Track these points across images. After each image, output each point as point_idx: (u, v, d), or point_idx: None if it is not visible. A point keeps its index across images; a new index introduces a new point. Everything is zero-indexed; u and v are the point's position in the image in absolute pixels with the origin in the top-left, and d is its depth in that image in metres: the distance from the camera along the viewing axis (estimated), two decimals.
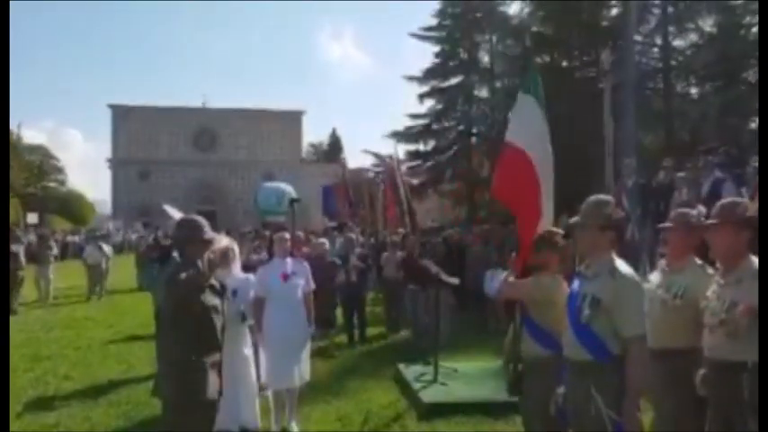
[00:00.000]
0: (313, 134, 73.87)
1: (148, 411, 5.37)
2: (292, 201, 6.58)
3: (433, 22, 24.20)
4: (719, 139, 12.96)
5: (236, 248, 5.06)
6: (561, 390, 2.99)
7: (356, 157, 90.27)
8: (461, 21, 23.78)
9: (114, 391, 6.29)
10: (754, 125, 15.94)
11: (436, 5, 24.04)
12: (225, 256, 4.76)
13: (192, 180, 48.34)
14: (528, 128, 3.77)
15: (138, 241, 16.18)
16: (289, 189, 7.45)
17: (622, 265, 2.80)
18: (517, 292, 3.40)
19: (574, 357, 2.84)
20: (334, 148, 62.27)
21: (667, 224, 3.51)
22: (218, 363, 3.30)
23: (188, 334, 3.18)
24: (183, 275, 3.13)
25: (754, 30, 15.68)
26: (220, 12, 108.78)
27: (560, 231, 3.48)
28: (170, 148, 48.88)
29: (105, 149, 51.48)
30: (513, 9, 20.94)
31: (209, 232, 3.36)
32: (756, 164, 6.60)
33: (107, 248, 15.43)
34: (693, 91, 17.00)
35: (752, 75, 16.15)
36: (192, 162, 48.80)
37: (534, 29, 19.08)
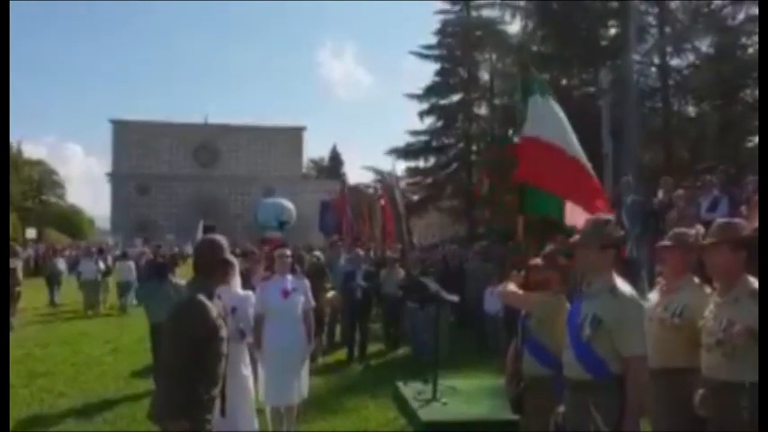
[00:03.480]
0: (314, 150, 74.22)
1: (145, 428, 5.33)
2: (281, 223, 6.59)
3: (434, 40, 24.48)
4: (718, 158, 13.04)
5: (236, 265, 5.05)
6: (561, 408, 2.98)
7: (357, 174, 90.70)
8: (461, 39, 24.03)
9: (110, 408, 6.22)
10: (751, 144, 16.09)
11: (436, 24, 24.34)
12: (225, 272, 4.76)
13: (192, 195, 48.40)
14: (545, 121, 3.87)
15: (139, 257, 16.16)
16: (288, 205, 7.45)
17: (623, 285, 2.81)
18: (521, 302, 3.41)
19: (574, 376, 2.83)
20: (334, 164, 62.44)
21: (665, 243, 3.52)
22: (222, 389, 3.05)
23: (198, 370, 2.85)
24: (204, 317, 2.85)
25: (751, 50, 15.88)
26: (223, 28, 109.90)
27: (562, 250, 3.49)
28: (170, 163, 49.08)
29: (106, 164, 51.69)
30: (513, 28, 21.14)
31: (227, 253, 3.17)
32: (753, 183, 6.64)
33: (103, 264, 15.45)
34: (691, 110, 17.13)
35: (749, 94, 16.31)
36: (192, 177, 48.95)
37: (534, 48, 19.23)
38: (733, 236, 2.93)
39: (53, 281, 16.42)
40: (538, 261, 3.53)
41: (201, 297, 2.89)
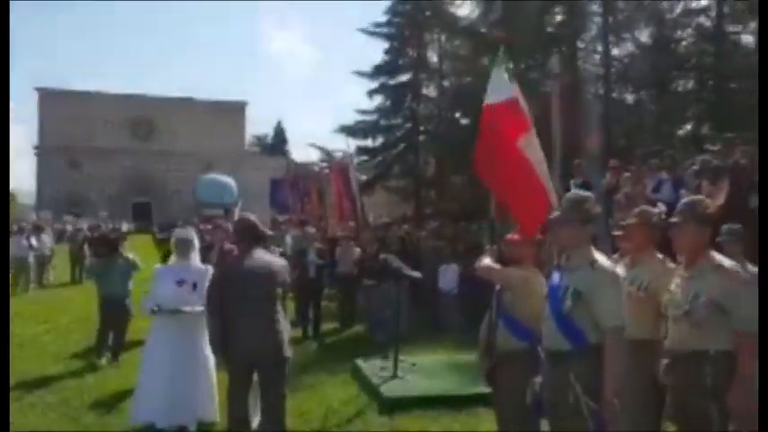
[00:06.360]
0: (258, 127, 72.17)
1: (93, 413, 5.13)
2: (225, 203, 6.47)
3: (384, 18, 24.27)
4: (653, 145, 13.70)
5: (196, 239, 4.92)
6: (538, 379, 3.08)
7: (301, 151, 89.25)
8: (411, 19, 23.95)
9: (50, 390, 5.92)
10: (681, 132, 17.02)
11: (386, 3, 24.12)
12: (186, 246, 4.65)
13: (128, 170, 46.27)
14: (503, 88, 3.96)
15: (75, 234, 15.33)
16: (229, 181, 7.23)
17: (602, 258, 2.92)
18: (498, 276, 3.48)
19: (553, 347, 2.93)
20: (279, 141, 61.26)
21: (631, 220, 3.68)
22: None
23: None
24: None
25: (684, 43, 16.73)
26: None
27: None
28: (104, 136, 46.63)
29: (32, 136, 48.57)
30: (463, 11, 21.23)
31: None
32: (694, 167, 7.03)
33: (45, 239, 14.58)
34: (630, 98, 17.84)
35: (681, 85, 17.21)
36: (128, 151, 46.70)
37: (483, 31, 19.41)
38: (699, 214, 3.10)
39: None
40: (513, 236, 3.61)
41: None
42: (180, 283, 4.58)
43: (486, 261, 3.54)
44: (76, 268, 15.42)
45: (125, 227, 27.68)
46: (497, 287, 3.57)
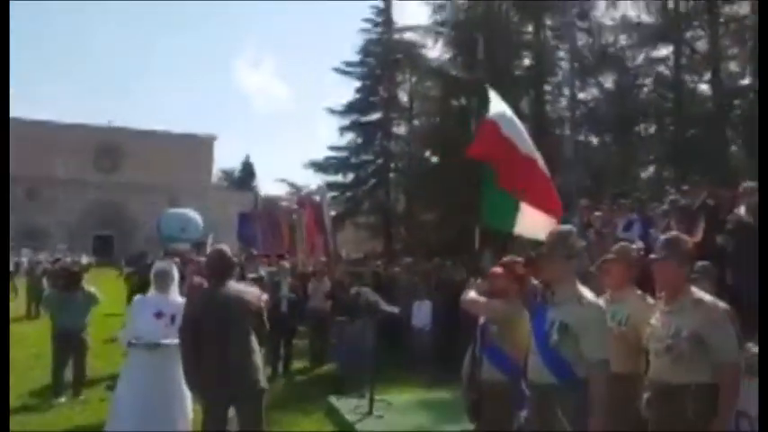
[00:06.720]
0: (226, 161, 71.74)
1: None
2: (190, 237, 6.44)
3: (356, 58, 24.80)
4: (619, 186, 14.16)
5: (176, 271, 4.81)
6: (523, 413, 3.07)
7: (270, 186, 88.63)
8: (383, 59, 24.53)
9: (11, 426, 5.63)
10: (644, 175, 17.68)
11: (358, 42, 24.70)
12: (164, 279, 4.55)
13: (90, 202, 45.19)
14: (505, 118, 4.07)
15: (34, 267, 14.86)
16: (194, 216, 7.13)
17: (587, 293, 2.96)
18: (484, 309, 3.48)
19: (539, 380, 2.93)
20: (246, 176, 60.93)
21: (611, 257, 3.76)
22: None
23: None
24: None
25: (646, 90, 17.54)
26: (135, 26, 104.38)
27: (520, 260, 3.62)
28: (66, 166, 45.54)
29: None
30: (434, 53, 21.81)
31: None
32: (664, 207, 7.26)
33: None
34: (594, 140, 18.47)
35: (643, 129, 17.95)
36: (91, 182, 45.69)
37: (453, 73, 19.93)
38: (681, 250, 3.19)
39: None
40: (498, 270, 3.63)
41: None
42: (158, 315, 4.49)
43: (472, 294, 3.56)
44: (32, 303, 14.83)
45: (85, 260, 26.84)
46: (481, 320, 3.57)
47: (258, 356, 3.88)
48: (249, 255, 10.34)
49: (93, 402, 6.53)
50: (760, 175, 3.89)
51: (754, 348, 3.56)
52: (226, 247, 4.21)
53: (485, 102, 4.31)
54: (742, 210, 5.72)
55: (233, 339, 3.73)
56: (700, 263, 4.57)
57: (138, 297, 4.77)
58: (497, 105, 4.27)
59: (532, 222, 3.86)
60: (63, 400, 6.60)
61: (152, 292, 4.74)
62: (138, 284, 9.04)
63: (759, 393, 2.73)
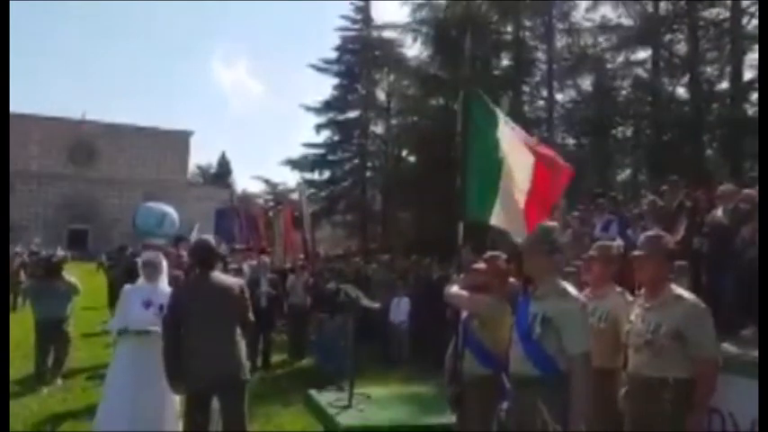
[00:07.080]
0: (202, 157, 70.65)
1: None
2: (167, 233, 6.47)
3: (333, 55, 24.67)
4: (596, 188, 14.36)
5: (164, 262, 4.80)
6: (504, 405, 3.09)
7: (246, 182, 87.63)
8: (361, 57, 24.46)
9: None
10: (620, 178, 17.96)
11: (336, 40, 24.58)
12: (153, 269, 4.55)
13: (64, 196, 44.15)
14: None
15: (12, 258, 14.71)
16: (170, 211, 7.13)
17: (569, 287, 3.00)
18: (467, 304, 3.50)
19: (521, 373, 2.95)
20: (222, 172, 60.33)
21: (592, 254, 3.82)
22: None
23: None
24: None
25: (624, 92, 17.78)
26: (110, 23, 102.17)
27: (504, 255, 3.65)
28: (40, 160, 44.45)
29: None
30: (412, 52, 21.83)
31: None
32: (643, 207, 7.40)
33: None
34: (572, 142, 18.70)
35: (620, 132, 18.22)
36: (65, 177, 44.65)
37: (431, 71, 19.97)
38: (662, 248, 3.25)
39: None
40: (480, 265, 3.66)
41: None
42: (147, 304, 4.51)
43: (455, 288, 3.58)
44: (10, 295, 14.55)
45: (61, 252, 26.32)
46: (464, 315, 3.60)
47: (242, 347, 3.90)
48: (233, 248, 10.32)
49: (74, 391, 6.57)
50: (760, 176, 3.98)
51: (730, 348, 3.67)
52: (211, 238, 4.20)
53: (470, 102, 4.27)
54: (719, 212, 5.86)
55: (218, 327, 3.77)
56: (676, 263, 4.69)
57: (127, 286, 4.78)
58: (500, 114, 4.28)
59: (508, 219, 3.87)
60: (45, 390, 6.54)
61: (141, 281, 4.77)
62: (120, 276, 8.93)
63: (759, 393, 2.80)
